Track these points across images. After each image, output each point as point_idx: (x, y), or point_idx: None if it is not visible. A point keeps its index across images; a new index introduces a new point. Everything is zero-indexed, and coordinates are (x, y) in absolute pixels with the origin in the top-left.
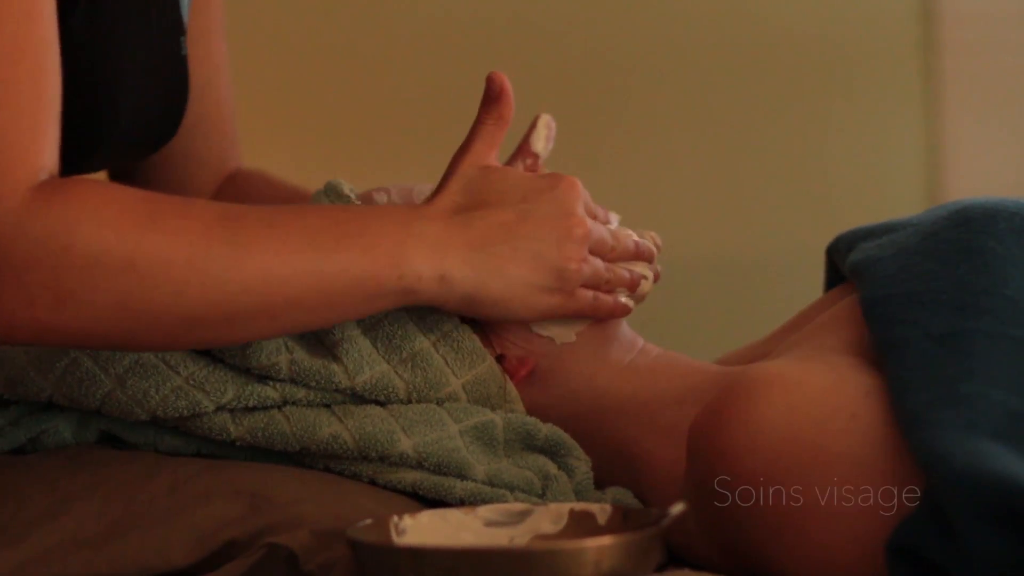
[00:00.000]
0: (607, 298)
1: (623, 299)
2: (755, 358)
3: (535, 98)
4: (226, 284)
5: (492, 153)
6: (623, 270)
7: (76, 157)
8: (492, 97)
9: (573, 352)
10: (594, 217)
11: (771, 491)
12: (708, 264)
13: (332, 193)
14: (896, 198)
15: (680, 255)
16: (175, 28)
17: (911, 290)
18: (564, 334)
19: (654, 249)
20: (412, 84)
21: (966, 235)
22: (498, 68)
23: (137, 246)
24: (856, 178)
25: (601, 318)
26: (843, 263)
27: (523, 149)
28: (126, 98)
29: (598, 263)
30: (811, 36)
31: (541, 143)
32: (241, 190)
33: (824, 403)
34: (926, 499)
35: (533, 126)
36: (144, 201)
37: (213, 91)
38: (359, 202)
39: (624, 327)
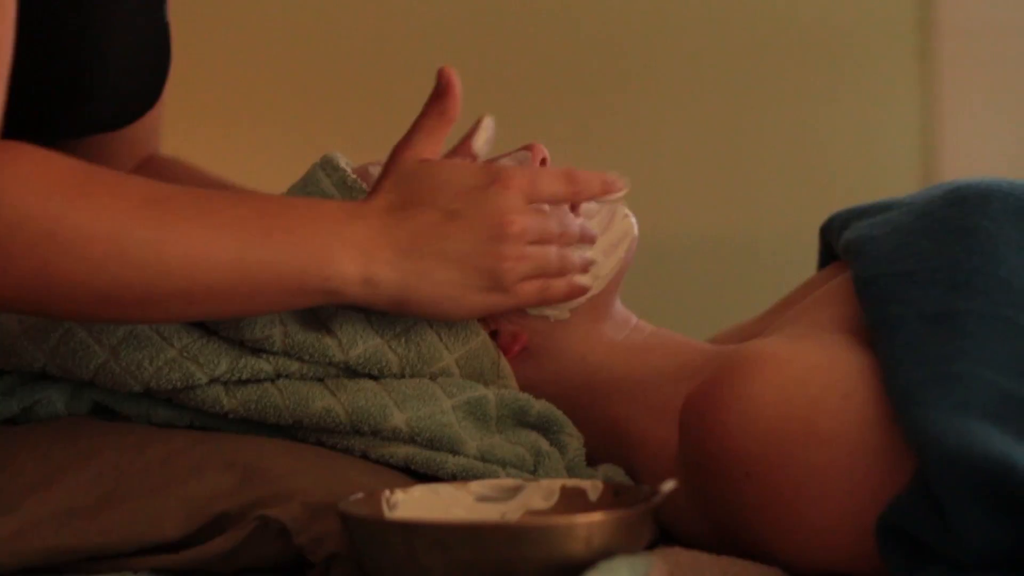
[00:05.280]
0: (558, 284)
1: (579, 280)
2: (749, 336)
3: (535, 76)
4: (145, 267)
5: (433, 148)
6: (576, 255)
7: (59, 124)
8: (439, 92)
9: (567, 329)
10: (541, 198)
11: (763, 469)
12: (703, 243)
13: (328, 167)
14: (891, 179)
15: (675, 234)
16: None
17: (904, 269)
18: (558, 312)
19: (596, 233)
20: (403, 78)
21: (960, 215)
22: (497, 42)
23: (61, 217)
24: (851, 159)
25: (554, 303)
26: (837, 242)
27: (464, 147)
28: (112, 63)
29: (546, 251)
30: (807, 16)
31: (481, 144)
32: (158, 176)
33: (817, 382)
34: (917, 478)
35: (477, 126)
36: (78, 173)
37: None
38: (355, 176)
39: (618, 305)
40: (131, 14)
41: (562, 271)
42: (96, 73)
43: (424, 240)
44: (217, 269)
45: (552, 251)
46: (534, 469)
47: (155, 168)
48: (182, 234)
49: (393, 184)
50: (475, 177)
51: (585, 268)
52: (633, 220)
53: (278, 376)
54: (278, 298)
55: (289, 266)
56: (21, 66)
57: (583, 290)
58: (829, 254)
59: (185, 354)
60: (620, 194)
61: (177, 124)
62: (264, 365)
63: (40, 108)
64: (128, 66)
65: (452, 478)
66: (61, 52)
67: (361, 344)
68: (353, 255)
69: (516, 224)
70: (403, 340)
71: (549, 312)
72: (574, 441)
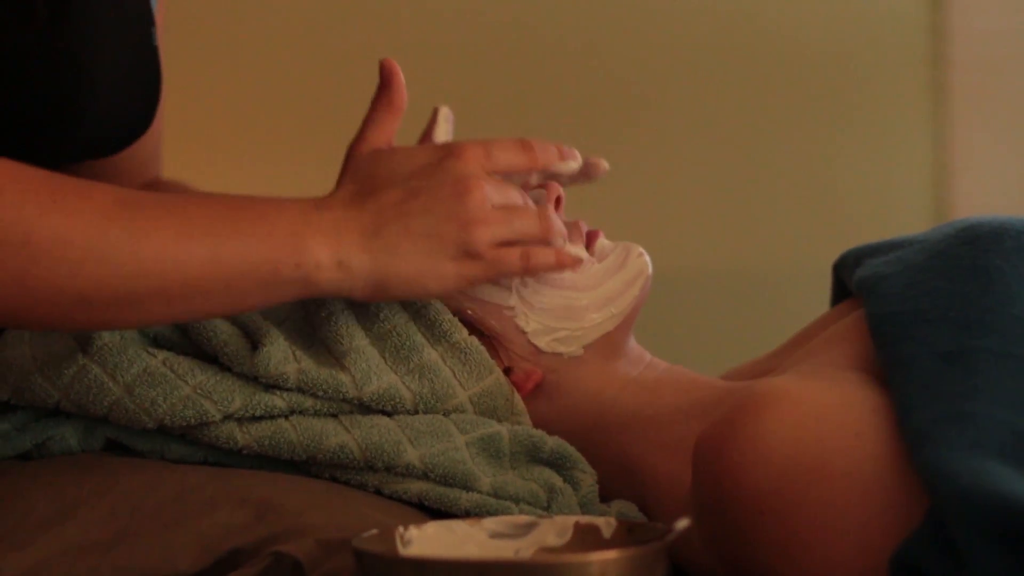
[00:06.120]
0: (543, 252)
1: (570, 248)
2: (761, 373)
3: (545, 109)
4: (122, 266)
5: (385, 139)
6: (558, 222)
7: (50, 150)
8: (384, 84)
9: (581, 366)
10: (498, 168)
11: (776, 507)
12: (715, 278)
13: None
14: (904, 213)
15: (687, 268)
16: (146, 19)
17: (918, 308)
18: (572, 349)
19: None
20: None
21: (973, 253)
22: (507, 80)
23: (36, 224)
24: (864, 193)
25: (550, 271)
26: (850, 279)
27: (426, 140)
28: (101, 88)
29: (522, 213)
30: (821, 51)
31: (442, 135)
32: None
33: (830, 420)
34: (930, 517)
35: (434, 119)
36: (46, 181)
37: None
38: None
39: (632, 342)
40: (118, 39)
41: (544, 236)
42: (85, 98)
43: (389, 218)
44: (191, 264)
45: (529, 215)
46: (547, 506)
47: (160, 191)
48: (155, 232)
49: (351, 177)
50: (429, 154)
51: (566, 236)
52: (647, 259)
53: (292, 412)
54: (254, 292)
55: (261, 256)
56: (8, 92)
57: (576, 261)
58: (842, 291)
59: (199, 391)
60: (576, 164)
61: (179, 141)
62: (278, 402)
63: (30, 134)
64: (117, 91)
65: (465, 514)
66: (48, 78)
67: (375, 381)
68: (323, 240)
69: (476, 189)
70: (417, 377)
71: (563, 350)
72: (587, 478)
